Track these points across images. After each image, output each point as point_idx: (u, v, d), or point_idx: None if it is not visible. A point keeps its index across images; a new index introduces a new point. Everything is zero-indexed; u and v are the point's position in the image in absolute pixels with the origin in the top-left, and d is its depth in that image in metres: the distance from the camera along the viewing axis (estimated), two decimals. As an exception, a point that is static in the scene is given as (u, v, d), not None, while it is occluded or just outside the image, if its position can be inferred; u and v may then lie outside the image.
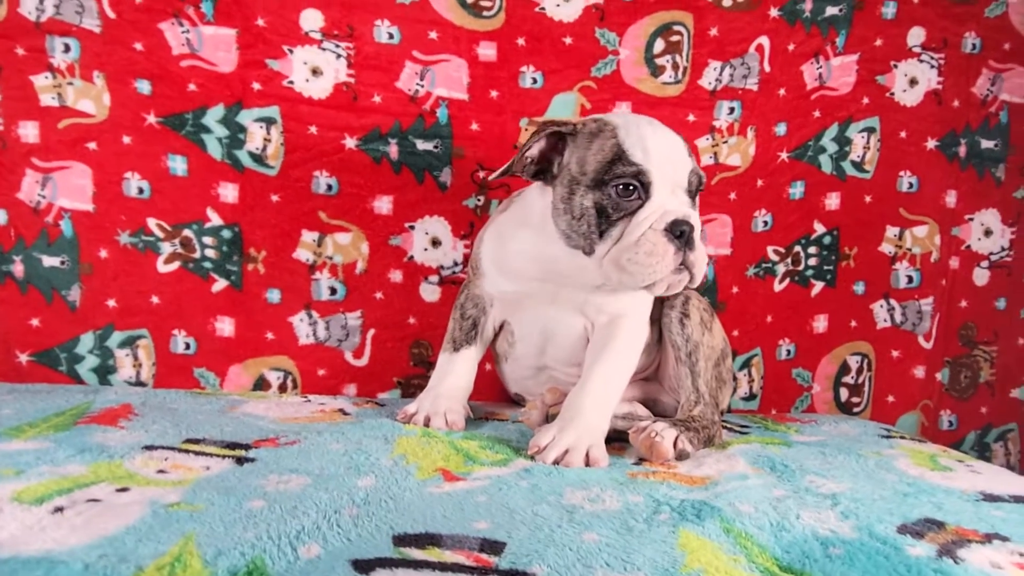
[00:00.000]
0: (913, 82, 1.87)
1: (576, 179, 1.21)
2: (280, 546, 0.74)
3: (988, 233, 1.93)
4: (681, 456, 1.19)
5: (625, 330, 1.31)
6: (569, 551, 0.77)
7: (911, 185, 1.89)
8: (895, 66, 1.86)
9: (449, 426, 1.30)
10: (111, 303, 1.60)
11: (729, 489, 1.02)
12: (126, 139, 1.58)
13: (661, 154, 1.18)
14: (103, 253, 1.59)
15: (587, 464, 1.13)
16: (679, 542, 0.82)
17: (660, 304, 1.42)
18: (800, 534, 0.87)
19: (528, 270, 1.33)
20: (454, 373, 1.41)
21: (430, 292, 1.73)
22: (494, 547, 0.78)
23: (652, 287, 1.18)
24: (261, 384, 1.67)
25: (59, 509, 0.79)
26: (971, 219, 1.92)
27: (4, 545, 0.71)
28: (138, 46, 1.57)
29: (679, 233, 1.14)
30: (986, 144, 1.91)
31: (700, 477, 1.10)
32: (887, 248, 1.90)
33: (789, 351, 1.88)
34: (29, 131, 1.54)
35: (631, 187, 1.16)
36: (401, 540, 0.78)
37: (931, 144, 1.89)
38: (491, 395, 1.70)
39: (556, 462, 1.12)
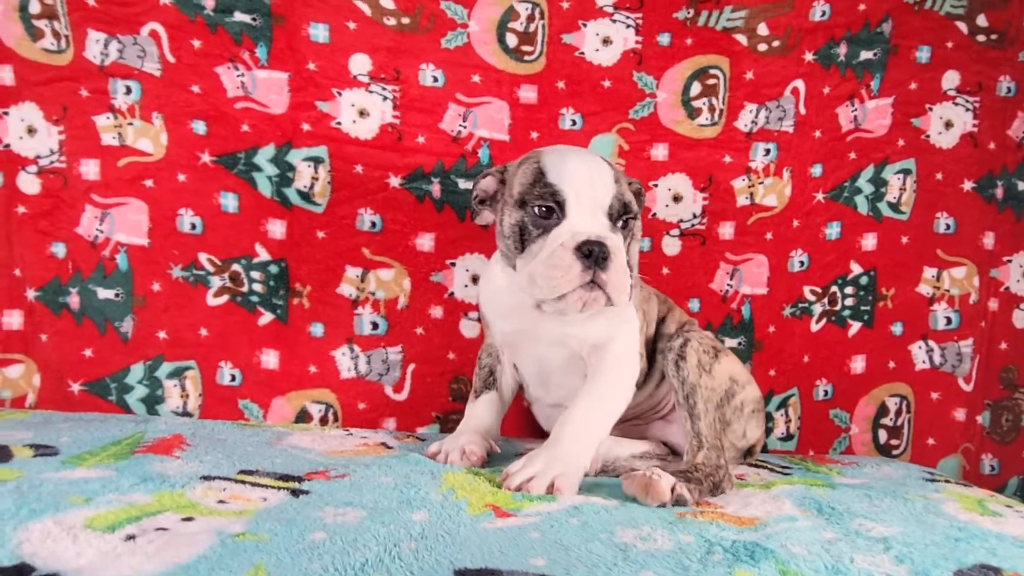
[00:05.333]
0: (948, 125, 1.89)
1: (506, 201, 1.30)
2: (347, 578, 0.75)
3: (1027, 275, 1.92)
4: (678, 502, 1.13)
5: (609, 361, 1.33)
6: (628, 589, 0.78)
7: (948, 226, 1.90)
8: (930, 109, 1.88)
9: (466, 456, 1.32)
10: (161, 335, 1.64)
11: (779, 531, 1.02)
12: (181, 177, 1.64)
13: (579, 177, 1.23)
14: (156, 286, 1.64)
15: (550, 492, 1.13)
16: (736, 583, 0.83)
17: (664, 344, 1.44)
18: (856, 577, 0.87)
19: (507, 308, 1.39)
20: (475, 416, 1.46)
21: (470, 328, 1.76)
22: (554, 583, 0.79)
23: (564, 300, 1.21)
24: (303, 416, 1.70)
25: (131, 537, 0.82)
26: (1009, 261, 1.92)
27: (83, 571, 0.73)
28: (195, 89, 1.63)
29: (588, 252, 1.17)
30: (1023, 186, 1.91)
31: (748, 518, 1.10)
32: (925, 289, 1.90)
33: (827, 391, 1.88)
34: (90, 168, 1.61)
35: (548, 207, 1.22)
36: (463, 574, 0.79)
37: (968, 186, 1.90)
38: (534, 433, 1.70)
39: (519, 489, 1.14)
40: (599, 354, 1.33)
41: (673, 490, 1.14)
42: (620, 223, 1.26)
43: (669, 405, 1.48)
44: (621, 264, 1.20)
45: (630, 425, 1.46)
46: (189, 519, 0.90)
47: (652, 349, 1.46)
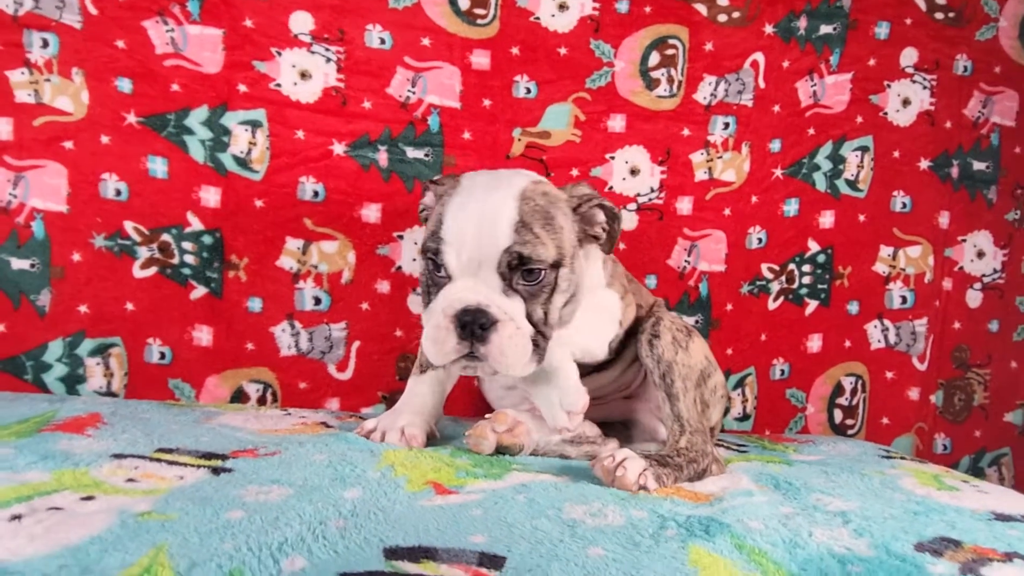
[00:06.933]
0: (906, 102, 1.87)
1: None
2: (261, 558, 0.67)
3: (981, 255, 1.92)
4: (642, 490, 1.07)
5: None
6: (574, 566, 0.72)
7: (904, 205, 1.88)
8: (888, 86, 1.86)
9: (406, 440, 1.21)
10: (83, 309, 1.52)
11: (735, 505, 0.98)
12: (104, 139, 1.52)
13: (466, 229, 1.08)
14: (76, 256, 1.52)
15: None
16: (690, 558, 0.77)
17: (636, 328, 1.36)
18: (815, 551, 0.82)
19: None
20: (419, 394, 1.34)
21: (418, 304, 1.67)
22: (494, 561, 0.72)
23: (448, 368, 1.17)
24: (239, 396, 1.60)
25: (16, 517, 0.72)
26: (964, 240, 1.91)
27: (-49, 555, 0.64)
28: (120, 44, 1.51)
29: (463, 323, 1.06)
30: (978, 166, 1.91)
31: (704, 494, 1.05)
32: (881, 268, 1.88)
33: (783, 371, 1.85)
34: (2, 128, 1.48)
35: (440, 263, 1.10)
36: (393, 553, 0.72)
37: (924, 164, 1.88)
38: (480, 412, 1.63)
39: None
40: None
41: (639, 480, 1.06)
42: (525, 278, 1.09)
43: (635, 384, 1.42)
44: (510, 332, 1.06)
45: (592, 404, 1.40)
46: (89, 498, 0.81)
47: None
